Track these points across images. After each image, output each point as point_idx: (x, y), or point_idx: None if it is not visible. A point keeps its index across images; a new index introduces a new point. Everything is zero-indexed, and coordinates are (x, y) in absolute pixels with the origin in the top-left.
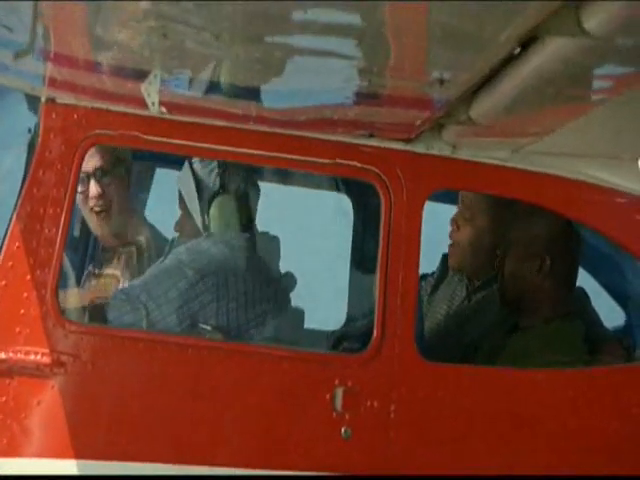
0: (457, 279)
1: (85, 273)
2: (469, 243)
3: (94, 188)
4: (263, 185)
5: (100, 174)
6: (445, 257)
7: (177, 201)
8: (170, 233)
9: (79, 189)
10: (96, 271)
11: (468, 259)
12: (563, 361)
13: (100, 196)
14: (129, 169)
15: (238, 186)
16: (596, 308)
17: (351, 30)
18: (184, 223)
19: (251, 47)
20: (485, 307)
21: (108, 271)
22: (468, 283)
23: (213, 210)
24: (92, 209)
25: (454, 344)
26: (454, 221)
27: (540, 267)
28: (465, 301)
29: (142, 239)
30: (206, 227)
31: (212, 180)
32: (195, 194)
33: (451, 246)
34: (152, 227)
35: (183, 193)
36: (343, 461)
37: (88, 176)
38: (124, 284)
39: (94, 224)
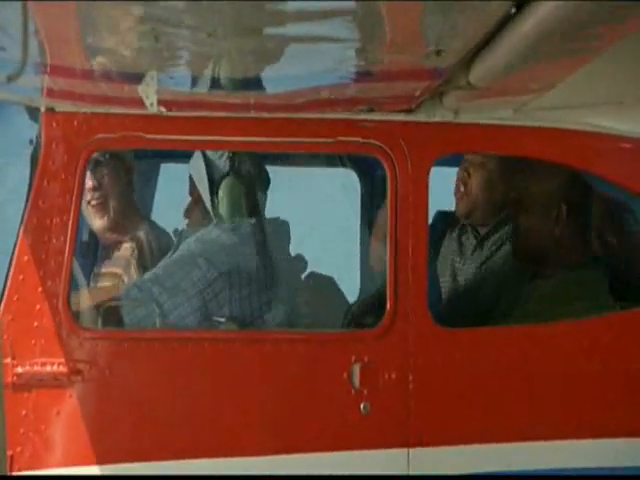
0: (459, 231)
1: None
2: (481, 188)
3: (89, 180)
4: (273, 169)
5: (94, 166)
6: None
7: (187, 187)
8: (176, 226)
9: None
10: (98, 270)
11: (479, 205)
12: (591, 308)
13: (95, 188)
14: (129, 166)
15: (248, 170)
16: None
17: (345, 12)
18: (193, 210)
19: (244, 41)
20: (501, 250)
21: (109, 269)
22: (475, 231)
23: (222, 192)
24: (89, 202)
25: (474, 295)
26: (464, 169)
27: (557, 216)
28: (477, 249)
29: (141, 234)
30: (215, 209)
31: (222, 164)
32: (206, 177)
33: (459, 193)
34: (152, 222)
35: (194, 177)
36: (364, 437)
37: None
38: (126, 281)
39: (91, 217)
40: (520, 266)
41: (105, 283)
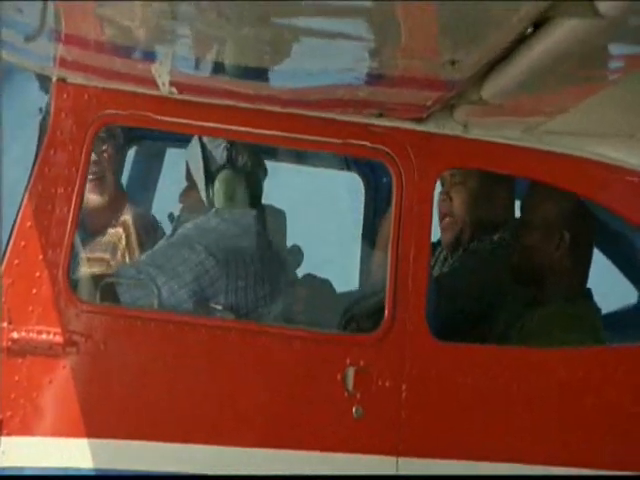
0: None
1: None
2: (465, 207)
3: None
4: (275, 165)
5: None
6: None
7: (184, 173)
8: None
9: None
10: (84, 255)
11: (466, 226)
12: (588, 339)
13: (95, 163)
14: (123, 148)
15: (245, 162)
16: (610, 287)
17: (361, 11)
18: (189, 195)
19: (260, 29)
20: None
21: (95, 255)
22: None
23: (218, 184)
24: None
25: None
26: (445, 194)
27: (559, 243)
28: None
29: (129, 220)
30: (210, 201)
31: (219, 154)
32: (202, 167)
33: (444, 221)
34: (140, 207)
35: (190, 165)
36: (354, 441)
37: None
38: (115, 266)
39: (88, 192)
40: (518, 289)
41: (92, 269)
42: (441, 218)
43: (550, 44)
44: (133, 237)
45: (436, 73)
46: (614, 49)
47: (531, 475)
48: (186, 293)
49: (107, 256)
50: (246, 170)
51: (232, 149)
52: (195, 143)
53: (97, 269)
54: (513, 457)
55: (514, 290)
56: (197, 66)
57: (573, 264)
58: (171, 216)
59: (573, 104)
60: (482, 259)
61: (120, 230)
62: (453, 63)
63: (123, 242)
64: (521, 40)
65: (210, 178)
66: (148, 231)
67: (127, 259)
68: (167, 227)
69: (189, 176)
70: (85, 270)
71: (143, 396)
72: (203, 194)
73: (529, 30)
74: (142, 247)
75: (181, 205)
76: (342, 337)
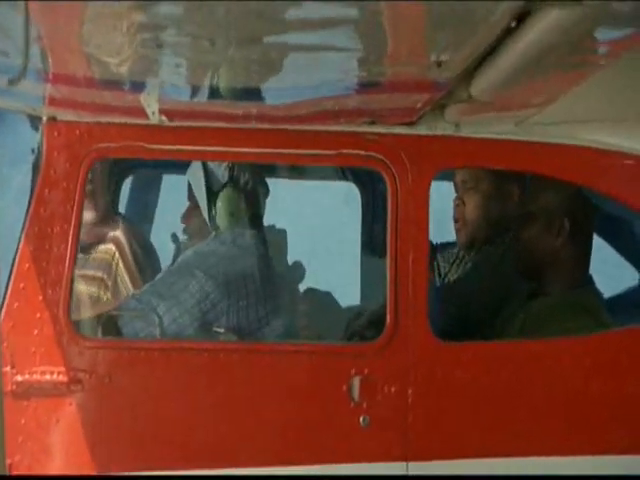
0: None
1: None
2: (478, 211)
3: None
4: (271, 181)
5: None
6: None
7: (186, 194)
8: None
9: None
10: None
11: (480, 229)
12: (591, 326)
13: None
14: (112, 169)
15: (247, 181)
16: (612, 271)
17: (347, 21)
18: (191, 216)
19: (247, 49)
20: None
21: (89, 272)
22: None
23: (220, 203)
24: None
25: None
26: (458, 199)
27: (559, 231)
28: (465, 256)
29: (120, 236)
30: (213, 220)
31: (221, 173)
32: (204, 186)
33: (458, 224)
34: (130, 224)
35: (193, 185)
36: (363, 450)
37: None
38: (110, 285)
39: None
40: (520, 282)
41: (86, 286)
42: (455, 222)
43: (535, 36)
44: (127, 253)
45: (424, 75)
46: (598, 35)
47: (534, 475)
48: (188, 319)
49: (101, 274)
50: (248, 188)
51: (234, 168)
52: (197, 165)
53: (93, 287)
54: (523, 451)
55: (519, 285)
56: (185, 92)
57: (574, 252)
58: (174, 237)
59: (562, 93)
60: (491, 266)
61: (113, 247)
62: (439, 64)
63: (117, 259)
64: (506, 35)
65: (212, 197)
66: (140, 245)
67: (124, 275)
68: (168, 250)
69: (191, 196)
70: (86, 306)
71: (151, 426)
72: (205, 213)
73: (513, 24)
74: (137, 262)
75: (183, 226)
76: (345, 348)
